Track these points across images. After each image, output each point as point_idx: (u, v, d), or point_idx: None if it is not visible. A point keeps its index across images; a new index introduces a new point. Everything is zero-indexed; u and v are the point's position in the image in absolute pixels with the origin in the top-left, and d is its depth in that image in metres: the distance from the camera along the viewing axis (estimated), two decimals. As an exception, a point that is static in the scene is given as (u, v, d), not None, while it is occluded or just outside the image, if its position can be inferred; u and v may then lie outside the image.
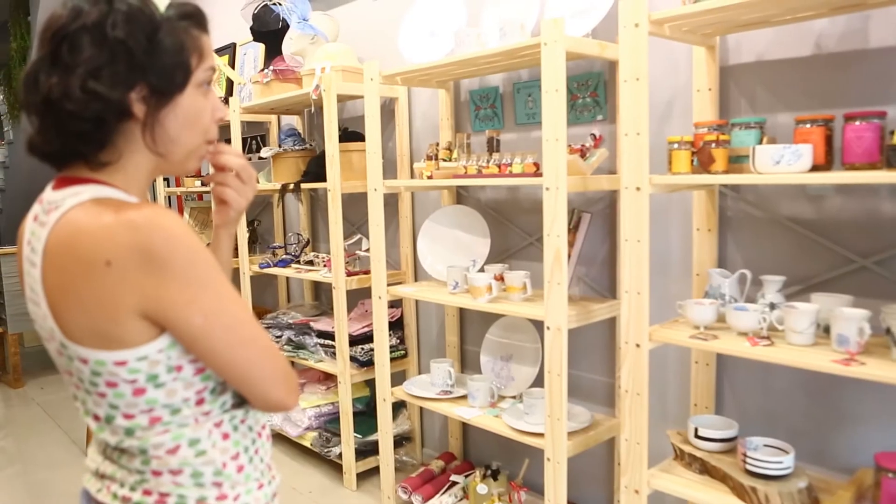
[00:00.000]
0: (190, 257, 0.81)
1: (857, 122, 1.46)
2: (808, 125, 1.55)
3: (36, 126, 0.85)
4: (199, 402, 0.90)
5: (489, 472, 2.47)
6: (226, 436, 0.92)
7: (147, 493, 0.90)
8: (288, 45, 3.20)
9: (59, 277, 0.82)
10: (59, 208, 0.84)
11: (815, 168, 1.53)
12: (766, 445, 1.69)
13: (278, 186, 3.18)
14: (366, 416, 3.11)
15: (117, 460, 0.92)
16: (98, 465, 0.95)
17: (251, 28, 3.38)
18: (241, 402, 0.95)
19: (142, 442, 0.88)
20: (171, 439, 0.88)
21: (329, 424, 3.14)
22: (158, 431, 0.88)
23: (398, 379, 2.86)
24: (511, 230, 2.60)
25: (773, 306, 1.70)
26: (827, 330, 1.59)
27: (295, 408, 0.94)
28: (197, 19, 0.91)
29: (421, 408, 3.07)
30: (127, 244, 0.79)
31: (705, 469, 1.76)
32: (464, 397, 2.47)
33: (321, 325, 3.14)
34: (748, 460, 1.63)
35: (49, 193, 0.89)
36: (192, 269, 0.82)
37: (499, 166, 2.16)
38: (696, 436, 1.80)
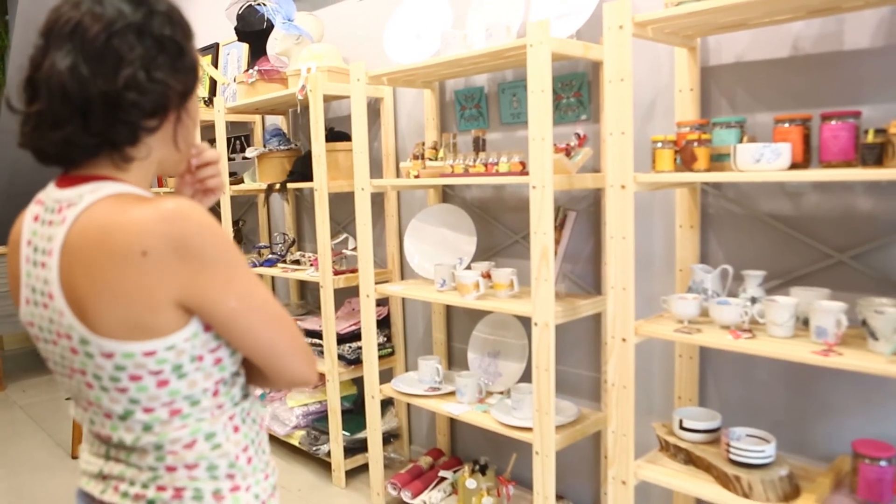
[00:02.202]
0: (220, 245, 0.86)
1: (834, 122, 1.51)
2: (786, 124, 1.59)
3: (71, 121, 0.85)
4: (215, 392, 0.93)
5: (477, 467, 2.50)
6: (237, 429, 0.96)
7: (161, 488, 0.92)
8: (273, 46, 3.21)
9: (87, 271, 0.83)
10: (77, 205, 0.86)
11: (793, 166, 1.58)
12: (748, 435, 1.74)
13: (264, 186, 3.18)
14: (354, 413, 3.13)
15: (125, 459, 0.93)
16: (101, 467, 0.96)
17: (235, 28, 3.38)
18: (246, 394, 0.99)
19: (159, 437, 0.90)
20: (188, 434, 0.91)
21: (317, 423, 3.15)
22: (176, 426, 0.90)
23: (386, 376, 2.89)
24: (497, 228, 2.64)
25: (754, 300, 1.75)
26: (806, 322, 1.64)
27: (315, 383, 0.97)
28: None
29: (408, 405, 3.10)
30: (161, 235, 0.82)
31: (690, 459, 1.80)
32: (452, 394, 2.50)
33: (308, 324, 3.16)
34: (731, 450, 1.68)
35: (54, 192, 0.90)
36: (223, 256, 0.86)
37: (485, 165, 2.19)
38: (681, 427, 1.84)
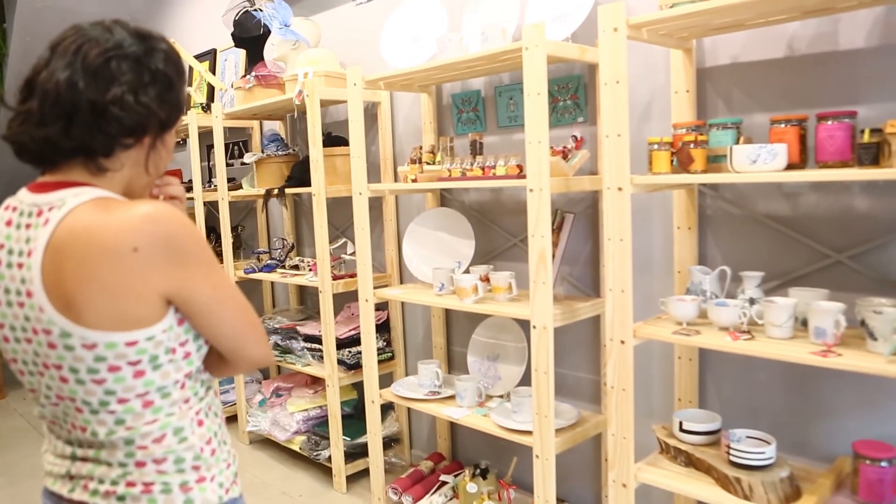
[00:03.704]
0: (199, 243, 0.96)
1: (830, 122, 1.51)
2: (782, 125, 1.59)
3: (56, 122, 0.92)
4: (182, 385, 1.01)
5: (478, 471, 2.50)
6: (201, 423, 1.03)
7: (131, 484, 0.98)
8: (270, 51, 3.21)
9: (77, 266, 0.89)
10: (61, 207, 0.92)
11: (789, 166, 1.58)
12: (748, 437, 1.74)
13: (262, 192, 3.18)
14: (354, 418, 3.13)
15: (94, 457, 0.98)
16: (68, 468, 1.01)
17: (232, 34, 3.38)
18: (209, 388, 1.08)
19: (130, 432, 0.97)
20: (158, 428, 0.98)
21: (318, 428, 3.15)
22: (148, 420, 0.97)
23: (386, 381, 2.88)
24: (495, 232, 2.64)
25: (752, 301, 1.75)
26: (805, 323, 1.64)
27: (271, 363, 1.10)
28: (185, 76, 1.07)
29: (409, 409, 3.09)
30: (150, 233, 0.90)
31: (690, 461, 1.80)
32: (452, 398, 2.49)
33: (308, 329, 3.15)
34: (732, 452, 1.67)
35: (29, 197, 0.96)
36: (202, 252, 0.96)
37: (483, 168, 2.19)
38: (681, 429, 1.84)
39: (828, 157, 1.51)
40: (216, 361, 1.07)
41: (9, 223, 0.96)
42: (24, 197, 0.97)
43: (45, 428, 1.08)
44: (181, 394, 1.00)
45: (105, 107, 0.92)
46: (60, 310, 0.90)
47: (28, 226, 0.93)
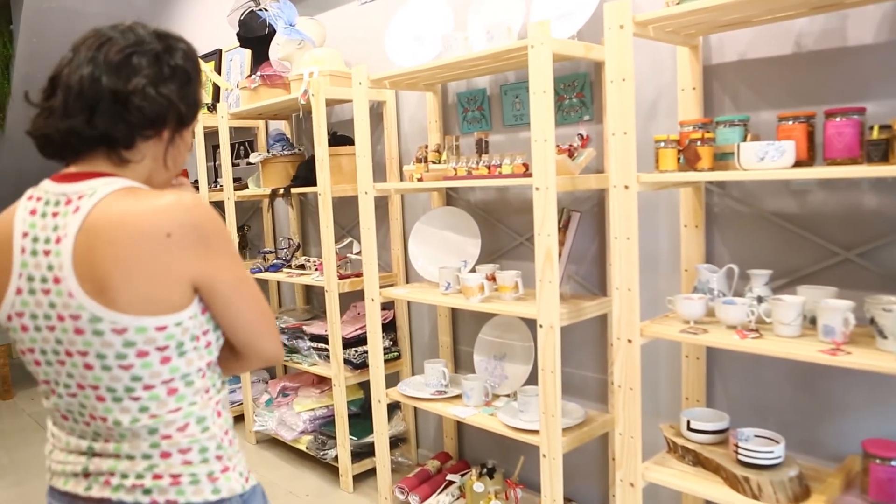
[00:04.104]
0: (224, 233, 0.99)
1: (838, 119, 1.49)
2: (790, 122, 1.58)
3: (79, 113, 0.96)
4: (203, 374, 1.03)
5: (485, 470, 2.49)
6: (219, 413, 1.06)
7: (158, 476, 0.98)
8: (275, 51, 3.21)
9: (112, 251, 0.91)
10: (92, 195, 0.95)
11: (797, 164, 1.56)
12: (757, 436, 1.73)
13: (268, 191, 3.19)
14: (361, 418, 3.13)
15: (115, 452, 0.98)
16: (84, 465, 1.00)
17: (237, 34, 3.38)
18: (224, 381, 1.10)
19: (155, 420, 0.98)
20: (182, 417, 0.99)
21: (324, 427, 3.15)
22: (172, 408, 0.99)
23: (392, 380, 2.88)
24: (501, 230, 2.63)
25: (760, 299, 1.73)
26: (813, 321, 1.63)
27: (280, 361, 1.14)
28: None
29: (416, 408, 3.09)
30: (183, 220, 0.94)
31: (698, 461, 1.79)
32: (458, 397, 2.49)
33: (314, 328, 3.15)
34: (740, 451, 1.66)
35: (54, 187, 0.98)
36: (226, 242, 0.99)
37: (488, 167, 2.19)
38: (689, 428, 1.83)
39: (836, 154, 1.50)
40: (228, 357, 1.09)
41: (33, 212, 0.98)
42: (48, 187, 0.99)
43: (50, 425, 1.08)
44: (202, 383, 1.02)
45: (127, 96, 0.96)
46: (91, 294, 0.92)
47: (55, 214, 0.95)
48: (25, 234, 0.97)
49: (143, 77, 0.97)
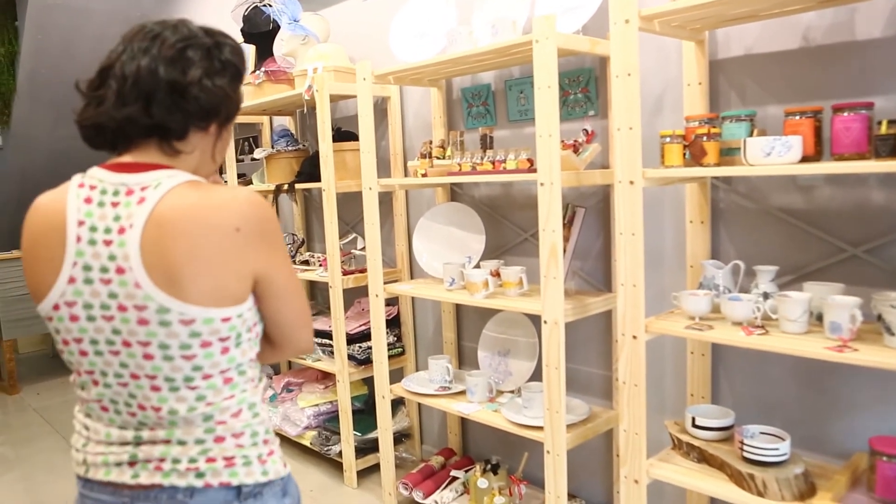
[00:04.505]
0: (279, 230, 1.04)
1: (846, 114, 1.48)
2: (797, 117, 1.57)
3: (136, 102, 0.98)
4: (252, 363, 1.07)
5: (489, 466, 2.49)
6: (264, 400, 1.11)
7: (211, 460, 1.01)
8: (279, 47, 3.20)
9: (185, 242, 0.93)
10: (157, 187, 0.96)
11: (804, 159, 1.55)
12: (762, 433, 1.72)
13: (272, 187, 3.18)
14: (365, 413, 3.13)
15: (166, 438, 1.00)
16: (131, 453, 1.00)
17: (242, 30, 3.37)
18: (260, 373, 1.13)
19: (211, 408, 1.00)
20: (236, 403, 1.03)
21: (328, 423, 3.15)
22: (226, 395, 1.02)
23: (396, 376, 2.88)
24: (505, 226, 2.62)
25: (766, 296, 1.72)
26: (820, 318, 1.62)
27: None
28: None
29: (420, 404, 3.09)
30: (249, 216, 0.97)
31: (703, 457, 1.78)
32: (462, 393, 2.49)
33: (318, 324, 3.15)
34: (745, 448, 1.65)
35: (111, 177, 0.99)
36: (282, 239, 1.04)
37: (493, 163, 2.18)
38: (694, 425, 1.82)
39: (844, 150, 1.49)
40: (263, 346, 1.12)
41: (88, 200, 0.98)
42: (102, 175, 0.99)
43: (81, 418, 1.07)
44: (252, 372, 1.07)
45: (185, 87, 0.98)
46: (160, 285, 0.93)
47: (115, 203, 0.96)
48: (81, 223, 0.97)
49: (199, 69, 1.00)
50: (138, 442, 1.01)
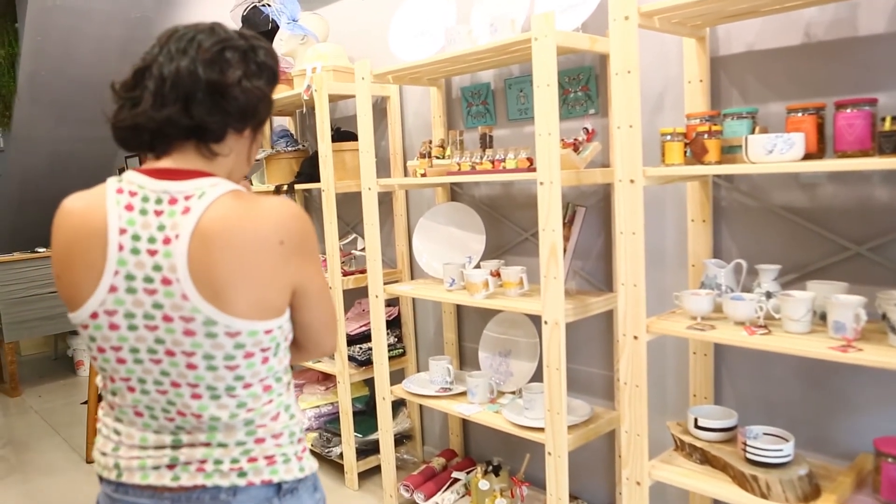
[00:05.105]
0: (316, 240, 1.05)
1: (849, 110, 1.46)
2: (799, 114, 1.55)
3: (175, 103, 0.97)
4: (286, 371, 1.10)
5: (490, 467, 2.48)
6: (296, 401, 1.14)
7: (253, 459, 1.03)
8: (278, 47, 3.19)
9: (232, 255, 0.94)
10: (202, 197, 0.96)
11: (807, 156, 1.53)
12: (765, 434, 1.70)
13: (272, 188, 3.17)
14: (366, 415, 3.11)
15: (207, 441, 1.01)
16: (172, 456, 1.01)
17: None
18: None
19: (251, 414, 1.02)
20: (274, 408, 1.05)
21: (329, 424, 3.14)
22: (265, 401, 1.04)
23: (397, 377, 2.86)
24: (506, 226, 2.60)
25: (769, 295, 1.70)
26: (823, 317, 1.59)
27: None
28: None
29: (421, 405, 3.07)
30: (293, 229, 0.99)
31: (706, 459, 1.76)
32: (463, 394, 2.47)
33: (319, 325, 3.13)
34: (748, 449, 1.63)
35: (153, 184, 0.98)
36: (317, 249, 1.06)
37: (492, 162, 2.16)
38: (696, 426, 1.80)
39: (847, 147, 1.47)
40: (291, 349, 1.13)
41: (129, 208, 0.97)
42: (143, 182, 0.98)
43: (110, 422, 1.07)
44: (287, 377, 1.10)
45: (226, 88, 0.99)
46: (207, 298, 0.93)
47: (158, 212, 0.95)
48: (123, 231, 0.96)
49: (238, 70, 1.00)
50: (177, 445, 1.02)
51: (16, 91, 4.86)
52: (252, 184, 3.50)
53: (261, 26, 3.27)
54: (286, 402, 1.08)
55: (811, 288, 1.68)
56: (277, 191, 3.13)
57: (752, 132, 1.64)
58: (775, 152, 1.49)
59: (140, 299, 0.95)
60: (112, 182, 1.00)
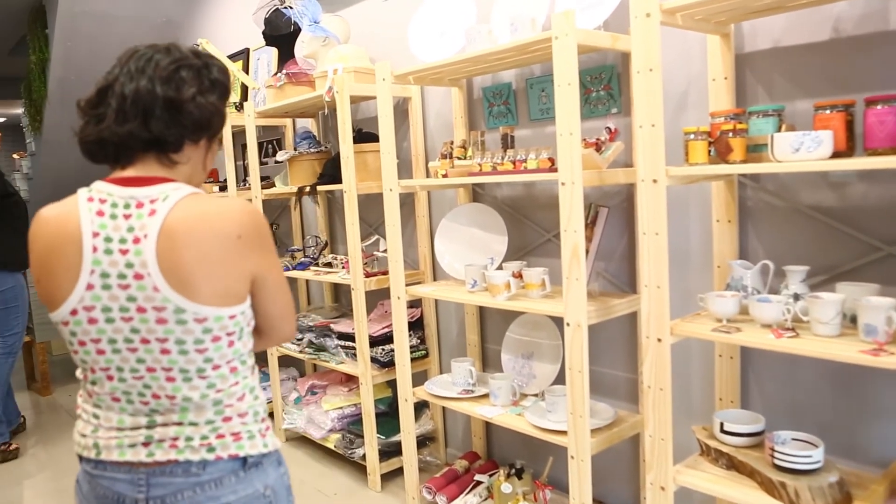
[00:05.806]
0: (270, 234, 1.15)
1: (879, 107, 1.42)
2: (827, 111, 1.51)
3: (135, 118, 1.08)
4: (251, 353, 1.20)
5: (513, 470, 2.46)
6: (259, 384, 1.23)
7: (220, 436, 1.13)
8: (300, 49, 3.20)
9: (195, 250, 1.04)
10: (165, 200, 1.06)
11: (836, 154, 1.49)
12: (794, 439, 1.66)
13: (295, 189, 3.19)
14: (388, 416, 3.11)
15: (179, 421, 1.11)
16: (146, 435, 1.11)
17: (263, 33, 3.39)
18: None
19: (220, 394, 1.12)
20: (240, 389, 1.16)
21: (352, 426, 3.14)
22: (231, 382, 1.14)
23: (420, 379, 2.86)
24: (528, 227, 2.58)
25: (797, 297, 1.66)
26: (853, 320, 1.55)
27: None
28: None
29: (444, 407, 3.06)
30: (249, 223, 1.10)
31: (732, 464, 1.73)
32: (486, 396, 2.46)
33: (341, 326, 3.15)
34: (776, 455, 1.60)
35: (119, 191, 1.08)
36: (272, 242, 1.16)
37: (514, 163, 2.14)
38: (722, 430, 1.77)
39: (878, 144, 1.42)
40: (253, 336, 1.24)
41: (100, 213, 1.07)
42: (110, 189, 1.09)
43: (89, 408, 1.16)
44: (251, 361, 1.20)
45: (181, 104, 1.09)
46: (176, 288, 1.04)
47: (127, 216, 1.06)
48: (96, 234, 1.06)
49: (193, 87, 1.11)
50: (151, 425, 1.11)
51: (47, 95, 4.96)
52: (275, 185, 3.53)
53: (283, 29, 3.29)
54: (251, 385, 1.18)
55: (841, 290, 1.63)
56: (300, 192, 3.15)
57: (779, 130, 1.60)
58: (802, 150, 1.46)
59: (115, 294, 1.05)
60: (83, 192, 1.10)
